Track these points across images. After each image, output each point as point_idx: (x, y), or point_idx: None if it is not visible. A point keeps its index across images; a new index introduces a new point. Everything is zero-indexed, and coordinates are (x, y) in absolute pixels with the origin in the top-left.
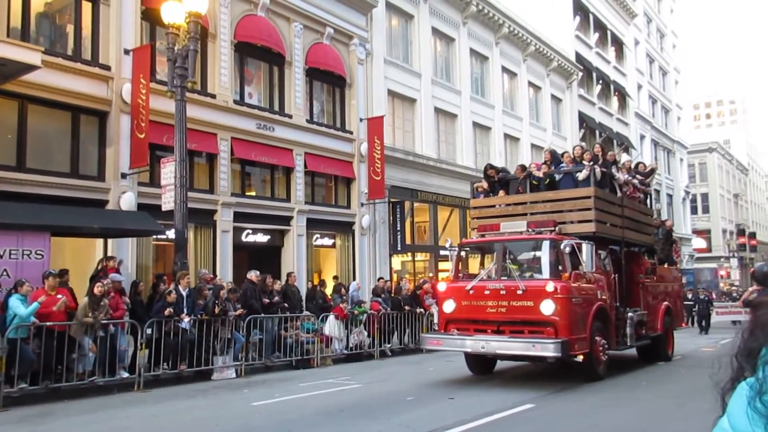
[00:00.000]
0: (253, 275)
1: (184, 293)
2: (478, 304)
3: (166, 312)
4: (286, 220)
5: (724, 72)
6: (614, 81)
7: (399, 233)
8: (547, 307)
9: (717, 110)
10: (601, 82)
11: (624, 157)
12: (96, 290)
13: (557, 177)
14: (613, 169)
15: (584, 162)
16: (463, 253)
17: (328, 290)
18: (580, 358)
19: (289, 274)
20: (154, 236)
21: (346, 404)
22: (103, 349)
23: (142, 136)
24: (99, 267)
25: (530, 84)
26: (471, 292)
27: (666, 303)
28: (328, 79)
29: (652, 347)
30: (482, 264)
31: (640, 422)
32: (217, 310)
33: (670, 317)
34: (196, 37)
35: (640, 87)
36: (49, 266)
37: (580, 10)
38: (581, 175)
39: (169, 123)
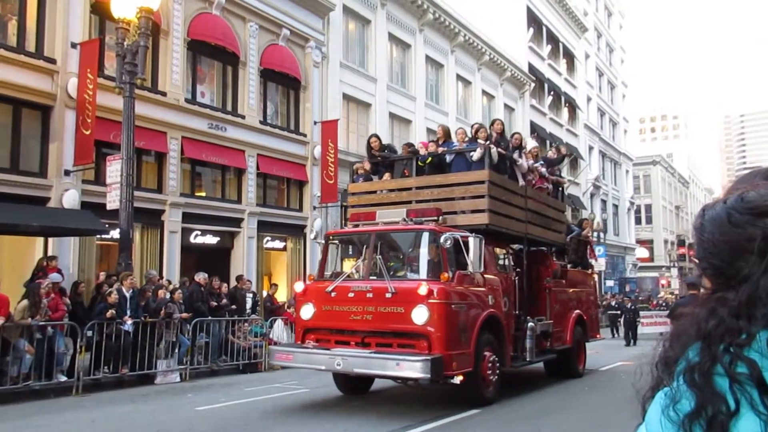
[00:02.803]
0: (200, 277)
1: (127, 295)
2: (341, 310)
3: (108, 314)
4: (237, 222)
5: (668, 88)
6: (565, 93)
7: None
8: (420, 315)
9: (661, 125)
10: (552, 93)
11: (531, 144)
12: (41, 293)
13: (448, 158)
14: (516, 154)
15: (479, 141)
16: (335, 249)
17: (280, 295)
18: (458, 379)
19: (239, 278)
20: (98, 236)
21: (293, 409)
22: (40, 352)
23: (87, 133)
24: (38, 267)
25: (484, 92)
26: (333, 294)
27: (577, 311)
28: (282, 81)
29: (559, 362)
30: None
31: (581, 426)
32: (162, 313)
33: (581, 328)
34: (147, 33)
35: (589, 99)
36: None
37: (534, 22)
38: (474, 156)
39: (117, 120)
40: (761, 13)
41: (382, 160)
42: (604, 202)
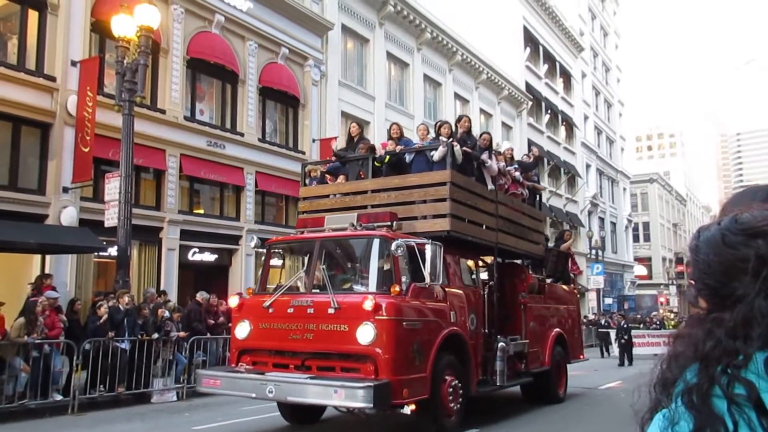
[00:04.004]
0: (200, 297)
1: (122, 310)
2: (279, 328)
3: (109, 334)
4: (235, 239)
5: (664, 107)
6: (562, 111)
7: None
8: (365, 334)
9: (658, 143)
10: (549, 111)
11: (505, 145)
12: (38, 311)
13: (408, 158)
14: (485, 155)
15: (442, 138)
16: (279, 259)
17: None
18: (408, 408)
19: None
20: (96, 253)
21: (290, 428)
22: (36, 370)
23: (86, 150)
24: (35, 284)
25: (482, 111)
26: (270, 310)
27: (557, 330)
28: (281, 99)
29: (536, 386)
30: (307, 272)
31: None
32: (156, 335)
33: (562, 348)
34: (147, 52)
35: (586, 118)
36: None
37: (531, 41)
38: (436, 155)
39: (116, 137)
40: (749, 34)
41: (337, 159)
42: (602, 219)
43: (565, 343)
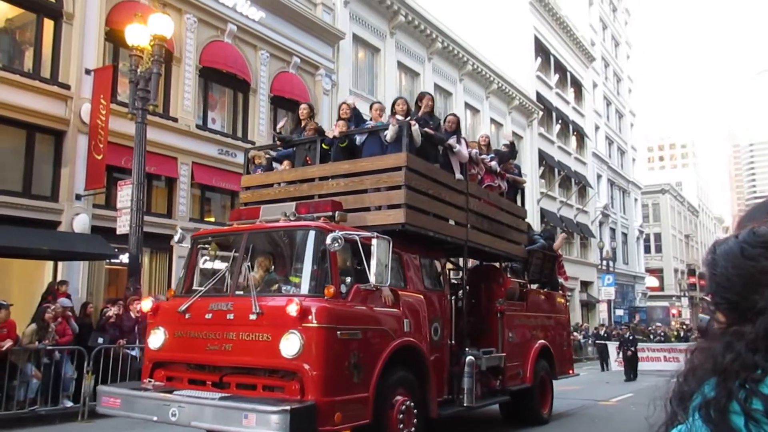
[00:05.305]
0: None
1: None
2: (196, 337)
3: (120, 342)
4: None
5: (675, 117)
6: (573, 121)
7: None
8: (289, 345)
9: (670, 153)
10: (560, 121)
11: (482, 132)
12: (47, 317)
13: (359, 140)
14: (453, 140)
15: (398, 117)
16: (208, 255)
17: None
18: None
19: None
20: (107, 260)
21: None
22: (47, 377)
23: (99, 158)
24: (48, 290)
25: (492, 120)
26: (187, 315)
27: (542, 342)
28: (292, 108)
29: (516, 405)
30: (231, 271)
31: None
32: None
33: (547, 362)
34: (160, 61)
35: (597, 128)
36: None
37: (542, 51)
38: (388, 134)
39: (129, 145)
40: (763, 44)
41: (282, 143)
42: (613, 230)
43: (551, 356)
